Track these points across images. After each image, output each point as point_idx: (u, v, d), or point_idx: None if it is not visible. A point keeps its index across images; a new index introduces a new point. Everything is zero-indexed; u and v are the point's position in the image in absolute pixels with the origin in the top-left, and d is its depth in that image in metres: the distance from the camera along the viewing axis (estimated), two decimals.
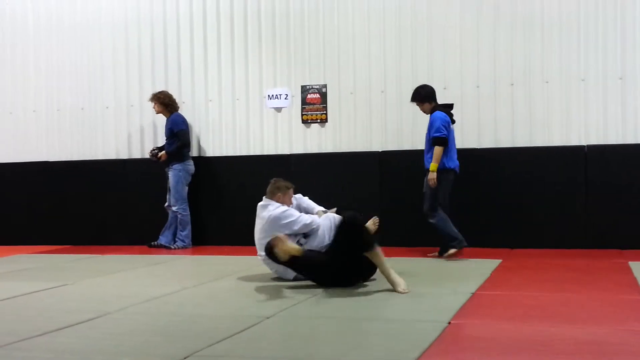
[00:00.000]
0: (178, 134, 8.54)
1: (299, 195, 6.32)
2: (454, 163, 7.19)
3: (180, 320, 4.48)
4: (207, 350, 3.66)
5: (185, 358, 3.51)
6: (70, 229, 9.36)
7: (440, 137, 6.97)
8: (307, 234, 5.82)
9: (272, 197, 6.01)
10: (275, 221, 5.79)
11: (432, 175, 7.01)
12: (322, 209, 6.23)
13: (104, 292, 5.58)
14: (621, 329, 4.01)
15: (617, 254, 7.09)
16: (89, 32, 9.42)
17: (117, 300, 5.13)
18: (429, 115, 7.24)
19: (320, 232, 5.79)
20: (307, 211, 6.17)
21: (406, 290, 5.17)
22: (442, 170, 7.07)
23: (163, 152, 8.59)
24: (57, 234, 9.36)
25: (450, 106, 7.33)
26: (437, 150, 6.98)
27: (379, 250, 5.37)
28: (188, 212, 8.63)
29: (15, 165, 9.68)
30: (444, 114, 7.12)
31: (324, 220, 5.87)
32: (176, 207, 8.57)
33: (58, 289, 5.76)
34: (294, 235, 5.76)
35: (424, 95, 7.23)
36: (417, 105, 7.31)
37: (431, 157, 7.06)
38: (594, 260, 6.76)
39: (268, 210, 5.89)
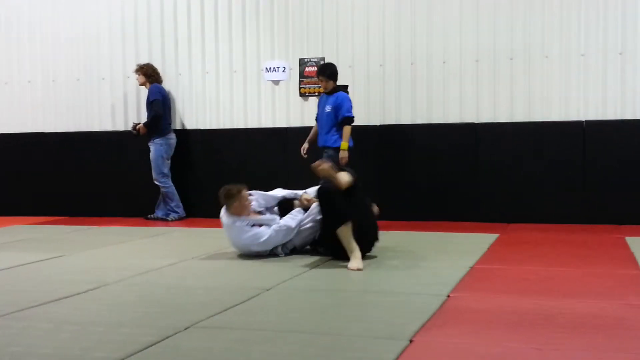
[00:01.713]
0: (152, 103, 8.50)
1: (257, 194, 5.91)
2: (352, 142, 7.44)
3: (179, 292, 4.48)
4: (207, 322, 3.66)
5: (185, 329, 3.51)
6: (66, 200, 9.33)
7: (351, 117, 7.26)
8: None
9: (232, 211, 5.64)
10: (248, 247, 5.65)
11: (345, 154, 7.21)
12: (285, 194, 5.96)
13: (102, 264, 5.57)
14: (619, 303, 4.02)
15: (614, 229, 7.10)
16: (85, 2, 9.31)
17: (116, 271, 5.12)
18: (327, 93, 7.42)
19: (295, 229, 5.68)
20: (269, 203, 5.91)
21: (353, 268, 5.04)
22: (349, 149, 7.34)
23: (141, 124, 8.56)
24: (53, 205, 9.34)
25: (346, 87, 7.58)
26: (348, 129, 7.26)
27: (344, 228, 5.18)
28: (170, 184, 8.63)
29: (11, 136, 9.63)
30: (348, 95, 7.40)
31: (289, 222, 5.68)
32: (157, 182, 8.57)
33: (55, 260, 5.76)
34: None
35: (330, 73, 7.44)
36: (322, 80, 7.44)
37: (332, 136, 7.29)
38: (591, 236, 6.77)
39: (236, 232, 5.62)
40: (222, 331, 3.50)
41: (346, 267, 5.11)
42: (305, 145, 7.69)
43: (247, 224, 5.63)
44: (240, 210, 5.64)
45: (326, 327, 3.56)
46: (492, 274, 4.92)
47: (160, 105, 8.54)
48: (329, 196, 5.29)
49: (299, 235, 5.70)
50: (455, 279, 4.67)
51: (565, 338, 3.33)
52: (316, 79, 8.17)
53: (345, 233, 5.18)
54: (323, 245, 5.68)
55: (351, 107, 7.30)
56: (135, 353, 3.13)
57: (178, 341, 3.33)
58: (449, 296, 4.19)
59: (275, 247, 5.70)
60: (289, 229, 5.63)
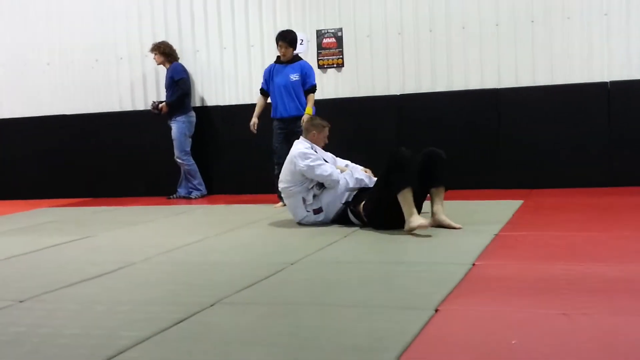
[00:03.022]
0: (179, 82, 8.47)
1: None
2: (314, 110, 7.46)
3: (205, 268, 4.50)
4: (233, 297, 3.67)
5: (211, 305, 3.52)
6: (89, 182, 9.39)
7: (316, 86, 7.37)
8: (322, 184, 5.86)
9: (307, 135, 6.07)
10: (293, 158, 5.81)
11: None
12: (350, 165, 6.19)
13: (127, 243, 5.62)
14: None
15: None
16: None
17: (141, 250, 5.16)
18: (286, 62, 7.32)
19: (338, 188, 5.79)
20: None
21: (415, 225, 5.10)
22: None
23: (163, 103, 8.55)
24: (75, 188, 9.41)
25: (299, 56, 7.56)
26: (313, 97, 7.30)
27: (408, 192, 5.23)
28: (192, 162, 8.62)
29: (31, 119, 9.67)
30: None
31: (345, 177, 5.84)
32: (180, 160, 8.56)
33: (81, 241, 5.80)
34: (309, 181, 5.81)
35: (291, 40, 7.33)
36: (283, 46, 7.29)
37: (292, 103, 7.21)
38: (617, 199, 6.69)
39: (296, 147, 5.92)
40: (248, 306, 3.51)
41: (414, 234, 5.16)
42: (255, 121, 7.54)
43: (315, 149, 5.95)
44: (316, 139, 6.04)
45: (351, 299, 3.56)
46: (517, 241, 4.87)
47: (188, 83, 8.55)
48: (401, 159, 5.31)
49: (334, 197, 5.79)
50: (480, 246, 4.63)
51: (593, 302, 3.29)
52: (334, 50, 8.12)
53: (408, 196, 5.23)
54: (354, 213, 5.72)
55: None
56: (162, 330, 3.14)
57: (205, 317, 3.34)
58: (474, 264, 4.16)
59: (304, 203, 5.85)
60: (339, 181, 5.79)
